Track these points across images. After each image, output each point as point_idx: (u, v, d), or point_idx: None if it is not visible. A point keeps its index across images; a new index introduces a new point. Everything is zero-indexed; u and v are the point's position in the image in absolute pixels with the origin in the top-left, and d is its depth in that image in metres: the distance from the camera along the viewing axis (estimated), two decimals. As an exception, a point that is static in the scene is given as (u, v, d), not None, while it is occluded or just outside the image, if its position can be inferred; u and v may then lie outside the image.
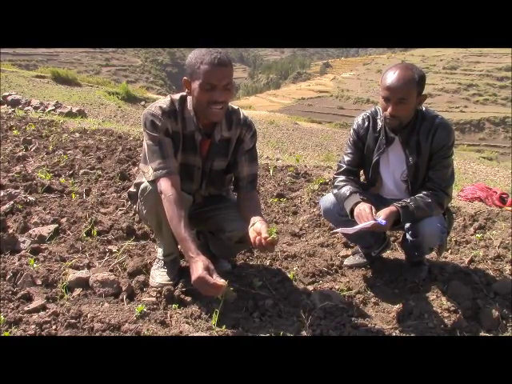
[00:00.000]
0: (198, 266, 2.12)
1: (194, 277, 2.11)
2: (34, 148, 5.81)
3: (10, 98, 12.33)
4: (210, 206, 2.73)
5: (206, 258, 2.17)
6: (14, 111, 9.44)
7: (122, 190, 4.31)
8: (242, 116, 2.56)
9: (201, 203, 2.73)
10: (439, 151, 2.70)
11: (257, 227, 2.30)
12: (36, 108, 11.83)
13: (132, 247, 3.13)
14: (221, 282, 2.09)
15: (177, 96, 2.47)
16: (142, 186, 2.50)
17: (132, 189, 2.73)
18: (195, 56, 2.27)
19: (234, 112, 2.55)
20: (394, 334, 2.39)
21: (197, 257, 2.16)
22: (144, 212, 2.55)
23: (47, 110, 11.54)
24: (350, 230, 2.57)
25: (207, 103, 2.30)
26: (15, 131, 6.71)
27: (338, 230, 2.82)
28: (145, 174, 2.47)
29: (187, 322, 2.27)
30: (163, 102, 2.45)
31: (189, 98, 2.44)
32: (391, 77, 2.56)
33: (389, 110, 2.59)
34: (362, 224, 2.51)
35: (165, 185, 2.33)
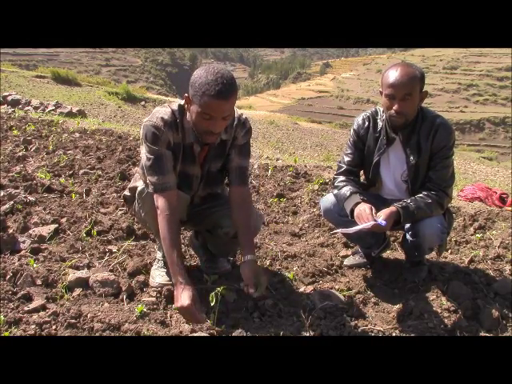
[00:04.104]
0: (185, 294, 2.17)
1: (178, 304, 2.18)
2: (33, 148, 5.81)
3: (9, 98, 12.34)
4: (206, 204, 2.72)
5: (193, 288, 2.22)
6: (13, 111, 9.44)
7: (121, 190, 4.31)
8: (236, 115, 2.53)
9: (198, 203, 2.73)
10: (440, 151, 2.70)
11: (245, 276, 2.31)
12: (36, 108, 11.84)
13: (132, 247, 3.14)
14: (203, 317, 2.20)
15: (175, 106, 2.42)
16: (139, 189, 2.49)
17: (127, 192, 2.72)
18: (200, 80, 2.18)
19: None
20: (394, 334, 2.39)
21: (186, 284, 2.21)
22: (143, 214, 2.54)
23: (47, 110, 11.55)
24: (350, 230, 2.57)
25: (203, 131, 2.29)
26: (15, 131, 6.71)
27: (338, 230, 2.83)
28: (142, 180, 2.48)
29: (187, 322, 2.27)
30: (164, 112, 2.39)
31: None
32: (394, 74, 2.57)
33: (394, 107, 2.59)
34: (362, 225, 2.51)
35: (162, 202, 2.33)
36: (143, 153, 2.40)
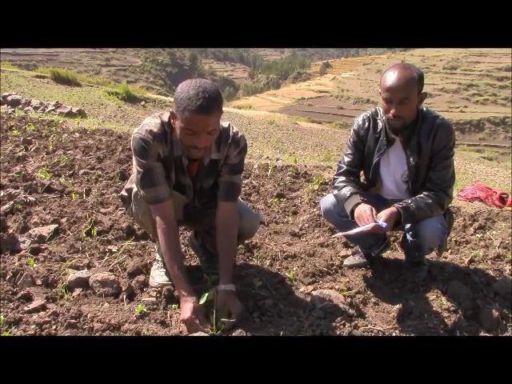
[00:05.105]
0: (188, 307, 2.22)
1: (182, 316, 2.23)
2: (33, 148, 5.81)
3: (9, 98, 12.33)
4: (204, 204, 2.72)
5: (196, 300, 2.25)
6: (13, 111, 9.45)
7: (121, 189, 4.30)
8: (231, 133, 2.47)
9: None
10: (440, 152, 2.70)
11: (218, 305, 2.29)
12: (36, 108, 11.84)
13: (132, 247, 3.13)
14: (206, 329, 2.18)
15: (166, 117, 2.37)
16: (134, 191, 2.49)
17: (124, 193, 2.71)
18: (182, 95, 2.14)
19: (224, 130, 2.45)
20: (394, 334, 2.39)
21: (188, 297, 2.26)
22: (139, 215, 2.54)
23: (47, 110, 11.55)
24: (351, 233, 2.57)
25: (188, 146, 2.25)
26: (15, 131, 6.71)
27: (339, 234, 2.83)
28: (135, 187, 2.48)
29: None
30: (153, 124, 2.34)
31: None
32: (391, 77, 2.56)
33: (392, 111, 2.58)
34: (363, 227, 2.51)
35: (157, 215, 2.36)
36: (134, 165, 2.40)
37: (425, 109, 2.77)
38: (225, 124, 2.44)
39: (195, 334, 2.13)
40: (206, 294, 2.28)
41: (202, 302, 2.26)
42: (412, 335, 2.38)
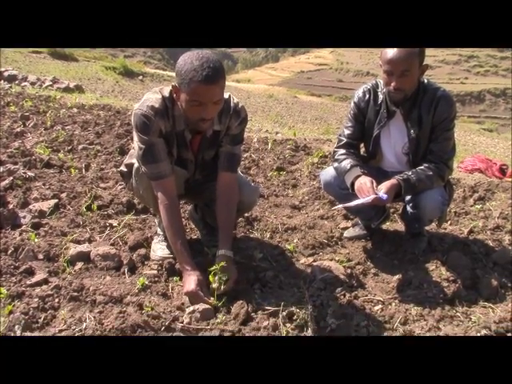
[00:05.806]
0: (191, 279, 2.24)
1: (186, 289, 2.24)
2: (31, 124, 5.78)
3: (6, 74, 12.19)
4: (204, 178, 2.72)
5: (199, 273, 2.27)
6: (10, 87, 9.37)
7: (121, 164, 4.28)
8: (232, 104, 2.47)
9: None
10: (441, 124, 2.68)
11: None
12: (33, 84, 11.74)
13: (132, 221, 3.14)
14: (210, 300, 2.20)
15: (166, 92, 2.34)
16: (135, 167, 2.48)
17: (123, 168, 2.70)
18: (186, 67, 2.12)
19: (225, 102, 2.42)
20: (393, 304, 2.41)
21: (191, 271, 2.28)
22: (141, 191, 2.53)
23: (44, 86, 11.46)
24: (351, 205, 2.57)
25: (196, 119, 2.22)
26: (12, 107, 6.66)
27: (339, 206, 2.83)
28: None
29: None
30: (154, 100, 2.31)
31: None
32: (392, 50, 2.53)
33: (393, 83, 2.56)
34: (363, 199, 2.51)
35: (159, 191, 2.35)
36: (135, 141, 2.37)
37: (426, 81, 2.74)
38: (225, 95, 2.42)
39: (198, 305, 2.14)
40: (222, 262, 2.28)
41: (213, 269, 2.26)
42: (411, 305, 2.40)
